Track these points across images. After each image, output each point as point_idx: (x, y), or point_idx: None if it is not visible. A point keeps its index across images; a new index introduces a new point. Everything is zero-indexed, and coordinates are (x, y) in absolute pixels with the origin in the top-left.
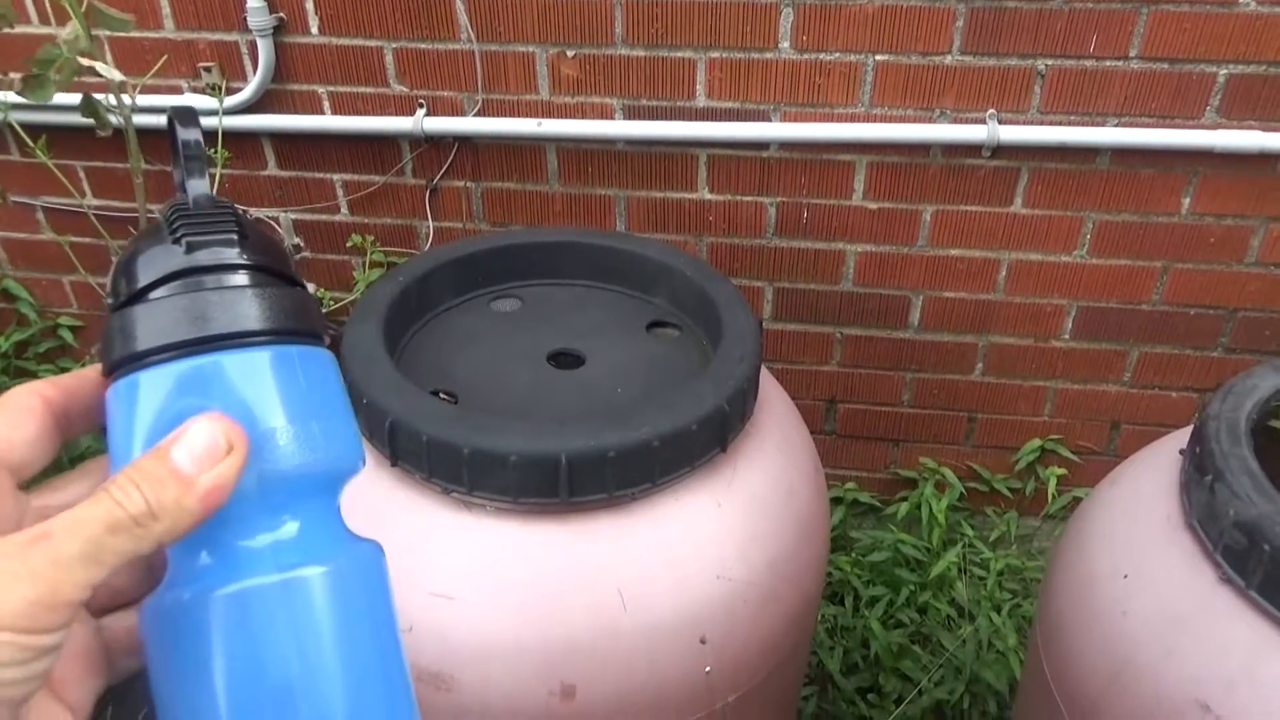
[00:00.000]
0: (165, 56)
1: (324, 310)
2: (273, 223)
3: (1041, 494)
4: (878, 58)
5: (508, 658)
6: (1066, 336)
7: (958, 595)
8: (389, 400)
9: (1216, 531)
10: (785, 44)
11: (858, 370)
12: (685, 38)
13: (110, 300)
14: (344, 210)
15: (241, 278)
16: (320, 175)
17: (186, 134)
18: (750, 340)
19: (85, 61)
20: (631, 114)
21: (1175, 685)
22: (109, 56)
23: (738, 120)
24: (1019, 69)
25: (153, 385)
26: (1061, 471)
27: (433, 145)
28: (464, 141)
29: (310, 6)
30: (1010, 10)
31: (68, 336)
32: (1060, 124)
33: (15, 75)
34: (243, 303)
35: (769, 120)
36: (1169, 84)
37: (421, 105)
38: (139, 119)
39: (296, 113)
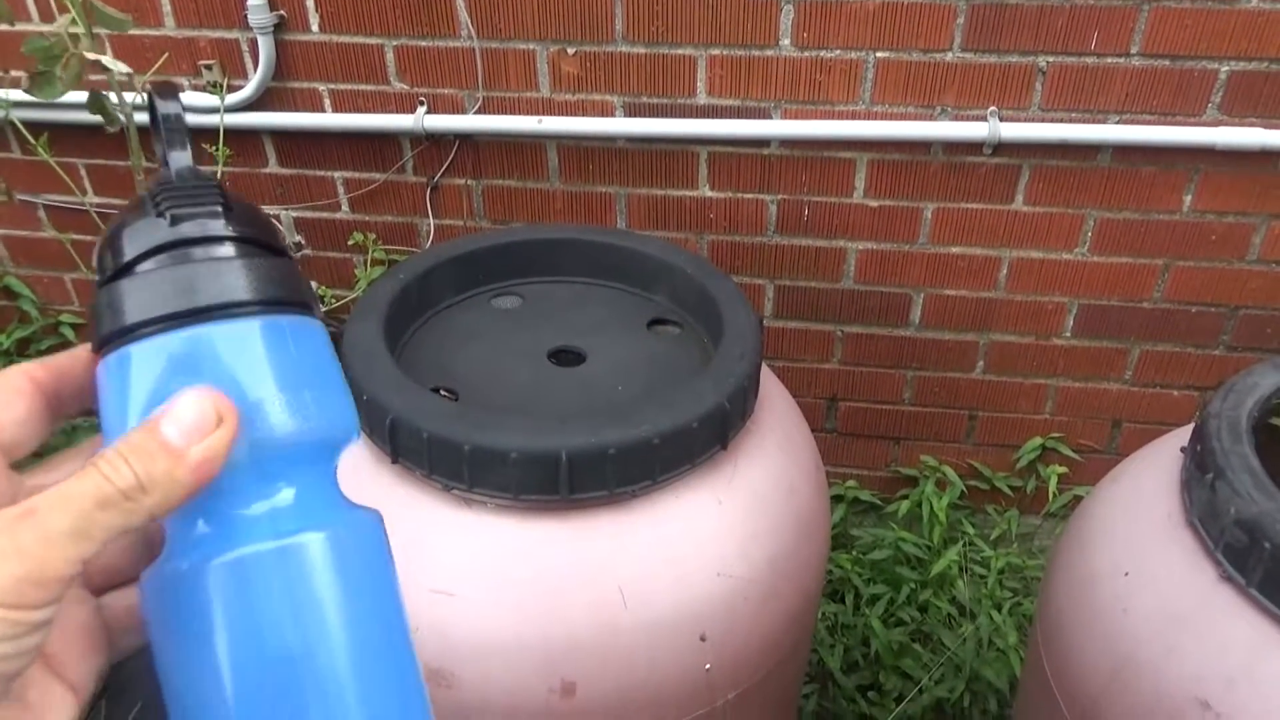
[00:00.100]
0: (166, 54)
1: (325, 308)
2: (274, 220)
3: (1042, 492)
4: (878, 55)
5: (508, 655)
6: (1068, 334)
7: (958, 593)
8: (390, 397)
9: (1217, 529)
10: (786, 41)
11: (859, 368)
12: (686, 35)
13: (97, 277)
14: (345, 208)
15: (228, 249)
16: (321, 173)
17: (166, 108)
18: (751, 338)
19: (91, 56)
20: (632, 111)
21: (1175, 683)
22: (110, 55)
23: (738, 117)
24: (1020, 66)
25: (142, 359)
26: (1062, 470)
27: (433, 143)
28: (465, 139)
29: (311, 4)
30: (1011, 7)
31: (69, 334)
32: (1061, 121)
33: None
34: (230, 273)
35: (770, 117)
36: (1170, 81)
37: (422, 103)
38: (141, 118)
39: (297, 110)
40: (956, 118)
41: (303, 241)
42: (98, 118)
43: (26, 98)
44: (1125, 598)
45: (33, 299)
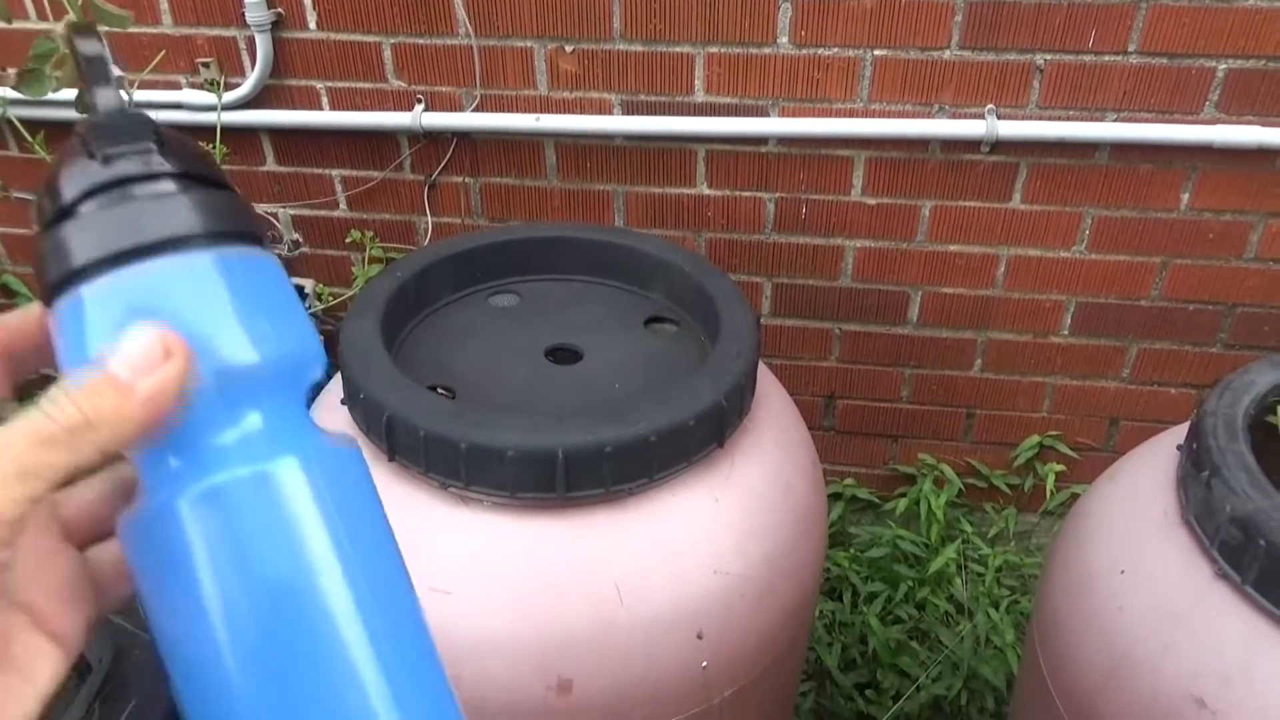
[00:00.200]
0: (163, 52)
1: (323, 306)
2: (272, 218)
3: (1040, 490)
4: (876, 53)
5: (505, 652)
6: (1065, 332)
7: (956, 591)
8: (386, 395)
9: (1213, 527)
10: (784, 39)
11: (856, 366)
12: (683, 33)
13: (37, 227)
14: (343, 206)
15: (170, 184)
16: (319, 171)
17: (87, 48)
18: (748, 336)
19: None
20: (630, 109)
21: (1171, 681)
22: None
23: (736, 115)
24: (1017, 64)
25: (93, 301)
26: (1060, 468)
27: (431, 141)
28: (462, 137)
29: (308, 2)
30: (1009, 5)
31: None
32: (1059, 119)
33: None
34: (176, 207)
35: (767, 115)
36: (1168, 79)
37: (420, 100)
38: None
39: (295, 108)
40: (954, 116)
41: (300, 239)
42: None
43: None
44: (1121, 595)
45: (30, 297)
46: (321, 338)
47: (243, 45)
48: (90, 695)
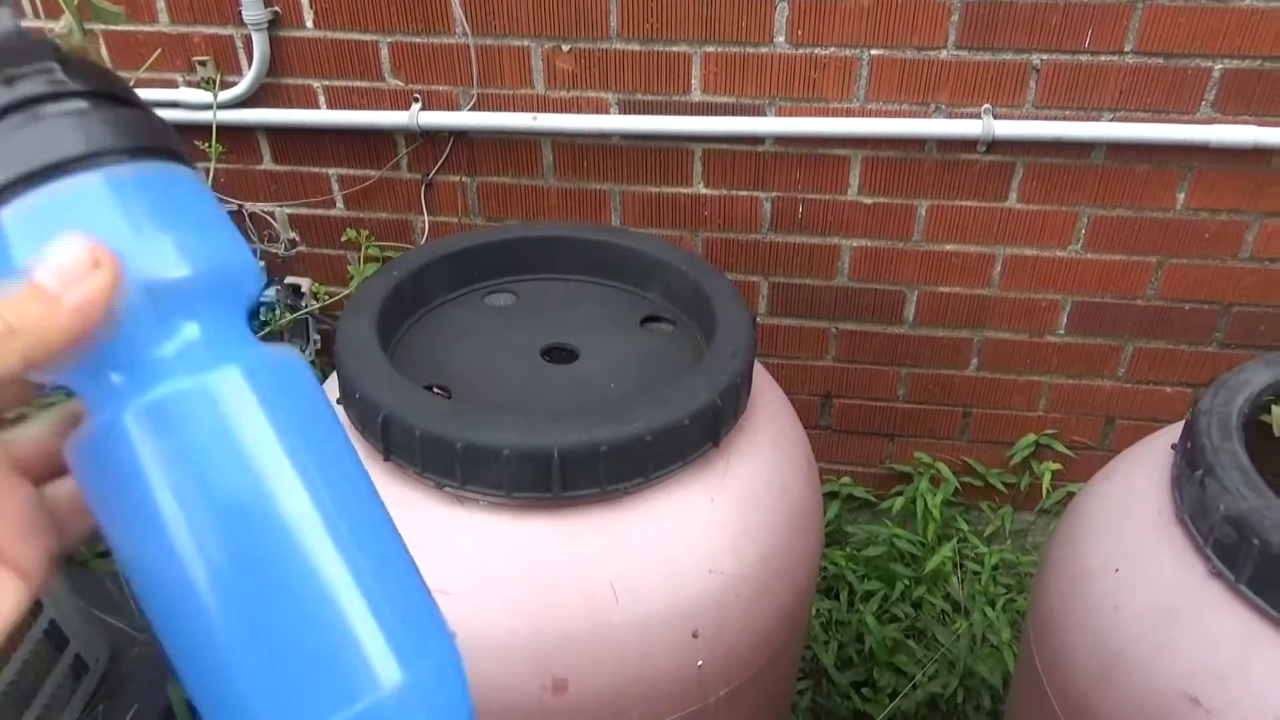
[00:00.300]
0: (159, 50)
1: (319, 305)
2: (268, 217)
3: (1036, 489)
4: (873, 52)
5: (500, 652)
6: (1061, 331)
7: (952, 590)
8: (382, 395)
9: (1207, 526)
10: (780, 39)
11: (853, 365)
12: (680, 32)
13: None
14: (339, 205)
15: (80, 102)
16: (315, 170)
17: None
18: (744, 335)
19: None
20: (627, 108)
21: (1166, 679)
22: (103, 50)
23: (733, 115)
24: (1014, 63)
25: (12, 221)
26: (1056, 466)
27: (428, 140)
28: (459, 136)
29: (305, 0)
30: (1005, 4)
31: None
32: (1055, 119)
33: None
34: (90, 124)
35: (764, 115)
36: (1164, 78)
37: (417, 100)
38: None
39: (292, 107)
40: (950, 115)
41: (297, 238)
42: None
43: None
44: (1116, 594)
45: None
46: (259, 260)
47: (239, 44)
48: (87, 694)
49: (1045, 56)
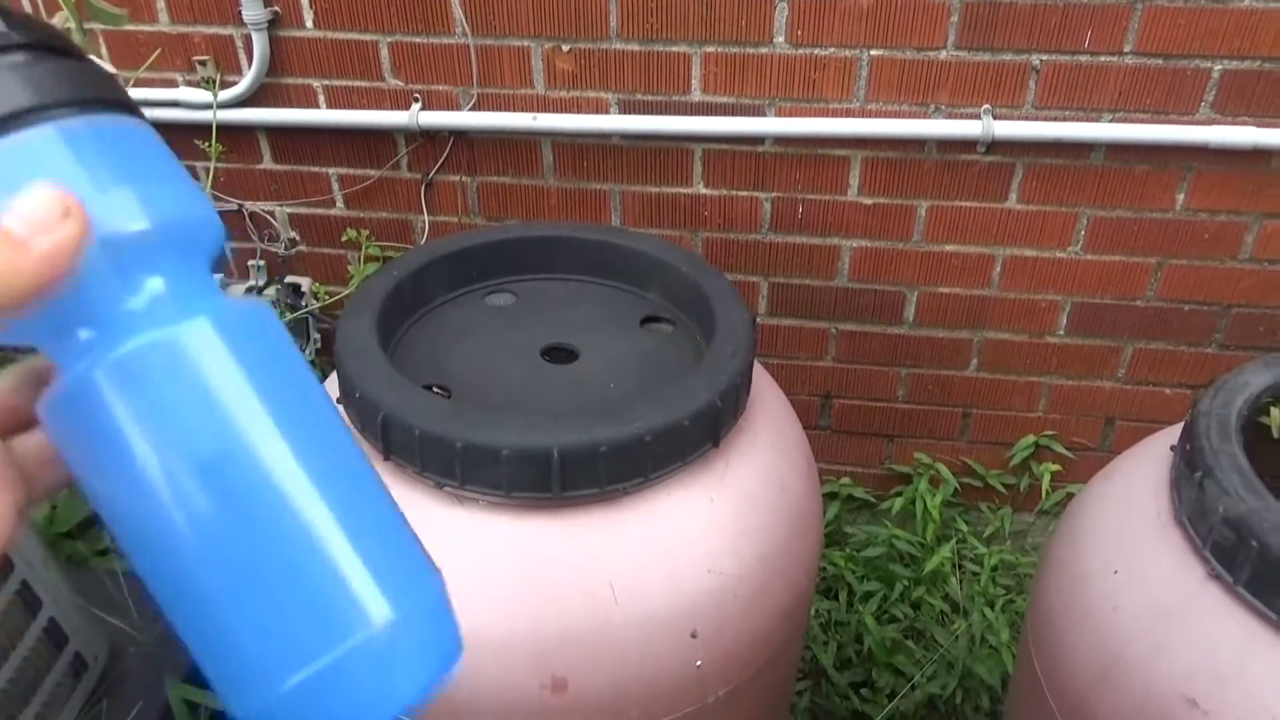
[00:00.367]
0: (159, 50)
1: (319, 305)
2: (269, 216)
3: (1035, 490)
4: (872, 53)
5: (500, 651)
6: (1061, 332)
7: (951, 591)
8: (382, 394)
9: (1205, 528)
10: (780, 39)
11: (853, 365)
12: (680, 32)
13: None
14: (339, 204)
15: (25, 55)
16: (316, 169)
17: None
18: (743, 336)
19: None
20: (627, 108)
21: (1164, 681)
22: (103, 50)
23: (733, 115)
24: (1014, 64)
25: None
26: (1055, 467)
27: (428, 139)
28: (459, 136)
29: (305, 0)
30: (1005, 5)
31: None
32: (1055, 119)
33: None
34: (39, 76)
35: (764, 115)
36: (1163, 79)
37: (417, 99)
38: None
39: (292, 107)
40: (950, 116)
41: (297, 237)
42: None
43: None
44: (1115, 595)
45: None
46: (260, 259)
47: (239, 43)
48: (86, 692)
49: (1045, 57)
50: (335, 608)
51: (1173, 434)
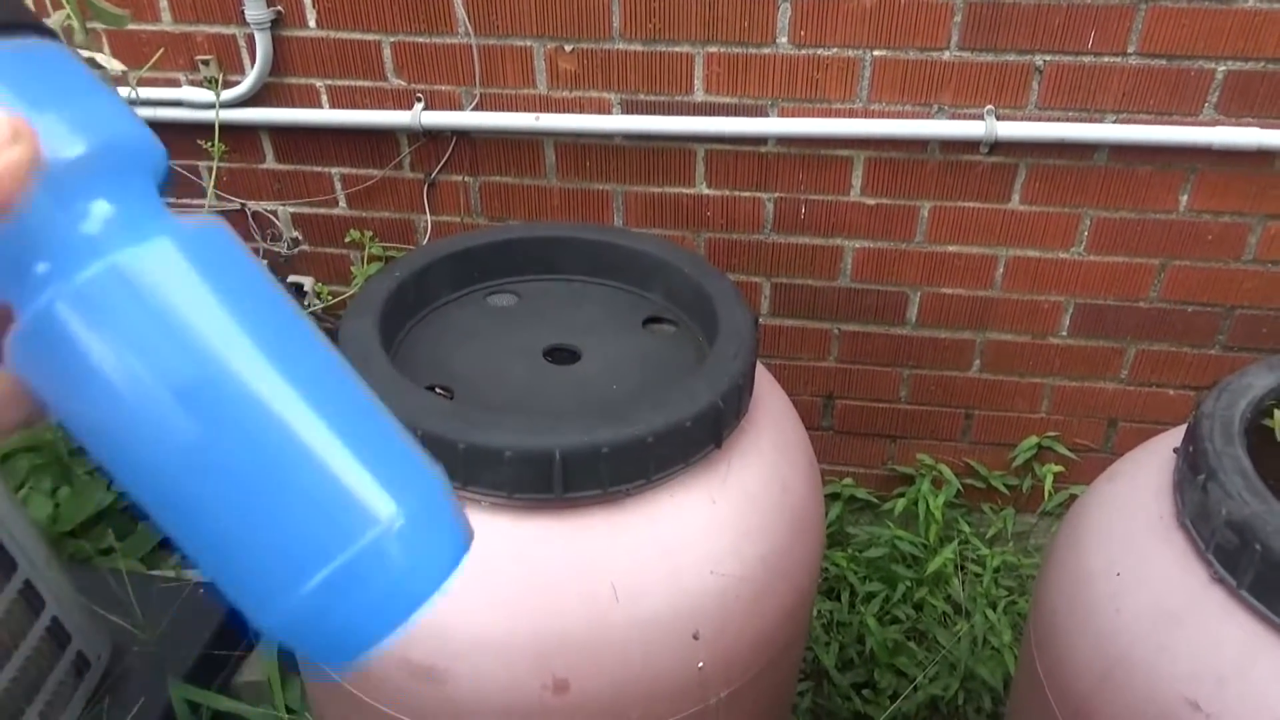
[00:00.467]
0: (162, 49)
1: (322, 305)
2: (271, 216)
3: (1038, 491)
4: (875, 53)
5: (501, 652)
6: (1064, 333)
7: (954, 592)
8: (384, 395)
9: (1209, 530)
10: (783, 39)
11: (855, 366)
12: (683, 32)
13: None
14: (342, 204)
15: None
16: (318, 169)
17: None
18: (746, 337)
19: (84, 53)
20: (629, 109)
21: (1166, 683)
22: (106, 49)
23: (735, 115)
24: (1017, 65)
25: None
26: (1058, 469)
27: (430, 139)
28: (462, 136)
29: (308, 0)
30: (1008, 6)
31: None
32: (1058, 120)
33: None
34: None
35: (767, 115)
36: (1167, 80)
37: (419, 99)
38: (138, 112)
39: (294, 106)
40: (953, 116)
41: (300, 237)
42: None
43: None
44: (1118, 597)
45: None
46: (262, 259)
47: (242, 43)
48: (89, 691)
49: (1048, 58)
50: (339, 512)
51: (1176, 436)
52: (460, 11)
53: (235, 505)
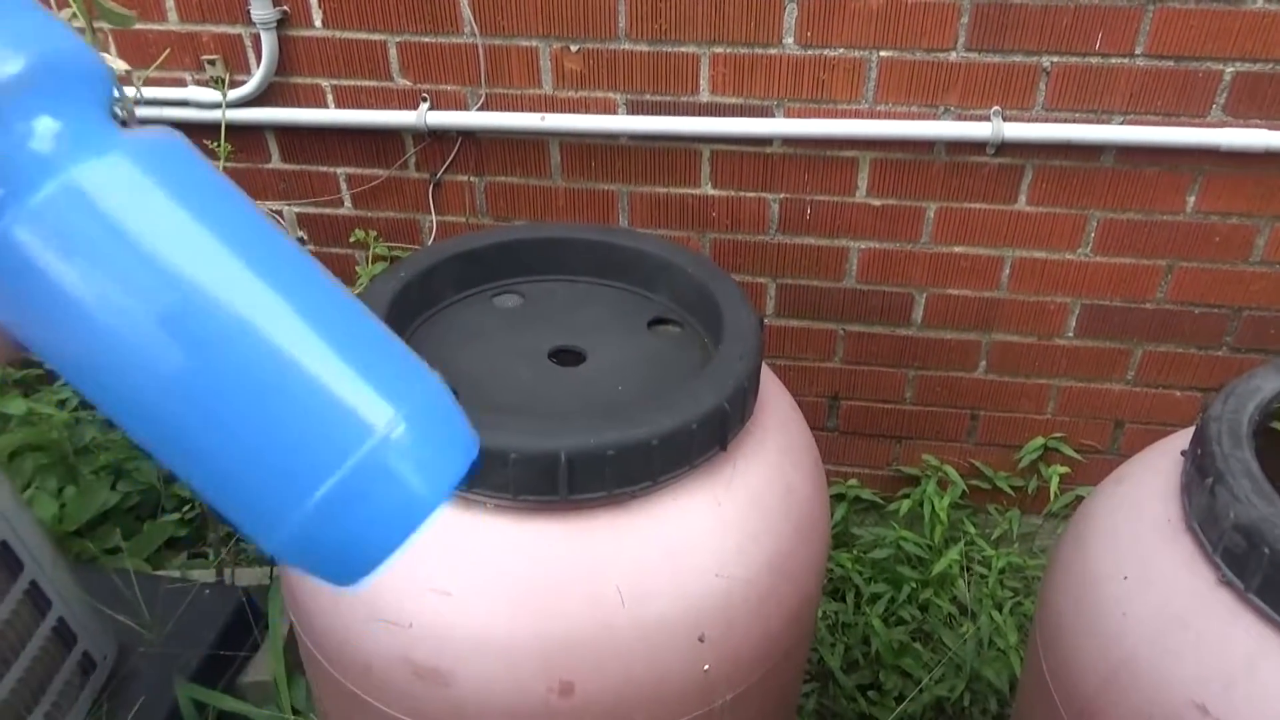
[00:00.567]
0: (169, 49)
1: None
2: (277, 215)
3: (1044, 492)
4: (882, 54)
5: (506, 654)
6: (1070, 335)
7: (959, 593)
8: None
9: (1216, 533)
10: (789, 39)
11: (860, 367)
12: (689, 33)
13: None
14: (347, 204)
15: None
16: (324, 169)
17: None
18: (751, 338)
19: None
20: (635, 109)
21: (1173, 686)
22: (112, 49)
23: (741, 116)
24: (1024, 66)
25: None
26: (1064, 470)
27: (436, 139)
28: (467, 136)
29: (314, 0)
30: (1016, 6)
31: None
32: (1065, 121)
33: None
34: None
35: (772, 116)
36: (1175, 81)
37: (425, 99)
38: (144, 111)
39: (300, 106)
40: (960, 117)
41: (305, 237)
42: None
43: None
44: (1125, 600)
45: None
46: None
47: (248, 43)
48: (95, 691)
49: (1055, 59)
50: (336, 422)
51: (1183, 438)
52: (466, 11)
53: (226, 426)
